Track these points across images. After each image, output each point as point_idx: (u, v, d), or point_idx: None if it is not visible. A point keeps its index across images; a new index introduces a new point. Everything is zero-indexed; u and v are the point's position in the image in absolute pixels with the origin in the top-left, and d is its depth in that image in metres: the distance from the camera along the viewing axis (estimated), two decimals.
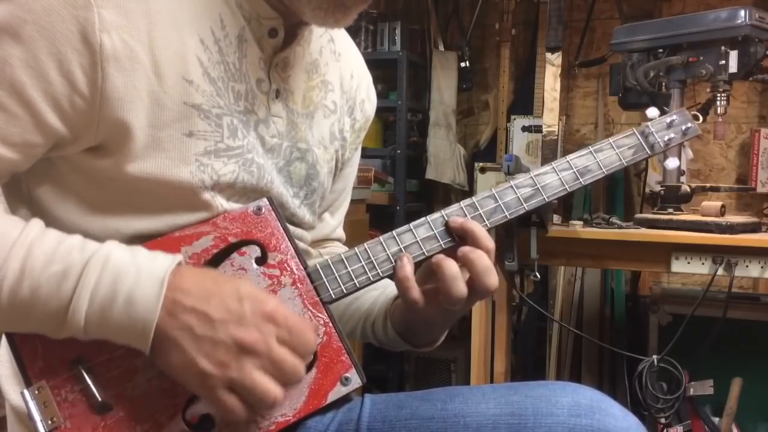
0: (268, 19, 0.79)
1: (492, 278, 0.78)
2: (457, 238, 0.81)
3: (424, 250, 0.81)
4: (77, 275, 0.66)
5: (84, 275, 0.66)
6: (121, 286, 0.66)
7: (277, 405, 0.68)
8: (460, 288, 0.76)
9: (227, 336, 0.66)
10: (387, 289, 0.91)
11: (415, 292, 0.78)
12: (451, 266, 0.77)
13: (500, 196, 0.85)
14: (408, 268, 0.79)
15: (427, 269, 0.81)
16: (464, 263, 0.78)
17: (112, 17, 0.67)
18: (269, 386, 0.66)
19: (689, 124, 0.97)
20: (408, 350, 0.91)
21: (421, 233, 0.81)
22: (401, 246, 0.81)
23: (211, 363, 0.65)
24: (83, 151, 0.71)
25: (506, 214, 0.84)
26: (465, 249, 0.78)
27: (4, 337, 0.74)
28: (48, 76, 0.66)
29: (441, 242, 0.81)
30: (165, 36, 0.70)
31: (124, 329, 0.66)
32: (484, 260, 0.77)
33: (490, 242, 0.79)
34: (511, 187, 0.85)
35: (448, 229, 0.82)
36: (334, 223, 1.03)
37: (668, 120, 0.95)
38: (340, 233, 1.05)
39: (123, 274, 0.66)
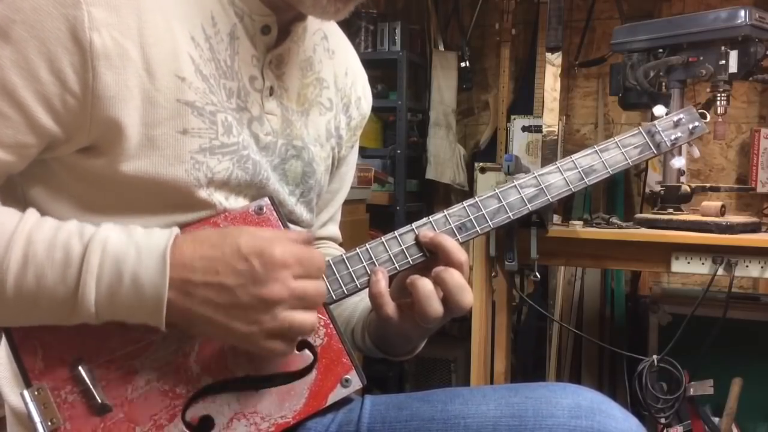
0: (261, 16, 0.79)
1: (466, 296, 0.77)
2: (428, 253, 0.80)
3: (410, 259, 0.80)
4: (79, 261, 0.66)
5: (86, 261, 0.66)
6: (125, 268, 0.66)
7: (315, 328, 0.73)
8: (435, 307, 0.76)
9: (250, 297, 0.67)
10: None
11: (389, 308, 0.78)
12: (425, 285, 0.76)
13: (503, 196, 0.84)
14: (382, 284, 0.78)
15: (401, 283, 0.81)
16: (437, 282, 0.77)
17: (102, 15, 0.67)
18: (304, 318, 0.69)
19: (696, 123, 0.96)
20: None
21: (401, 243, 0.80)
22: (403, 246, 0.80)
23: (246, 324, 0.68)
24: (77, 151, 0.71)
25: (509, 214, 0.84)
26: (438, 269, 0.78)
27: (3, 339, 0.74)
28: (39, 75, 0.66)
29: (409, 259, 0.80)
30: (156, 34, 0.70)
31: (135, 309, 0.67)
32: (456, 279, 0.77)
33: (462, 255, 0.79)
34: (515, 186, 0.85)
35: (418, 243, 0.81)
36: (328, 222, 1.03)
37: (675, 118, 0.94)
38: (336, 233, 1.04)
39: (123, 254, 0.67)
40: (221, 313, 0.67)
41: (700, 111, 0.98)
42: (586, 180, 0.87)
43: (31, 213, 0.69)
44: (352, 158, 1.03)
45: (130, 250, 0.67)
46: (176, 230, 0.70)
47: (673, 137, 0.94)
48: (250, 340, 0.69)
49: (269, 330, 0.68)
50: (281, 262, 0.68)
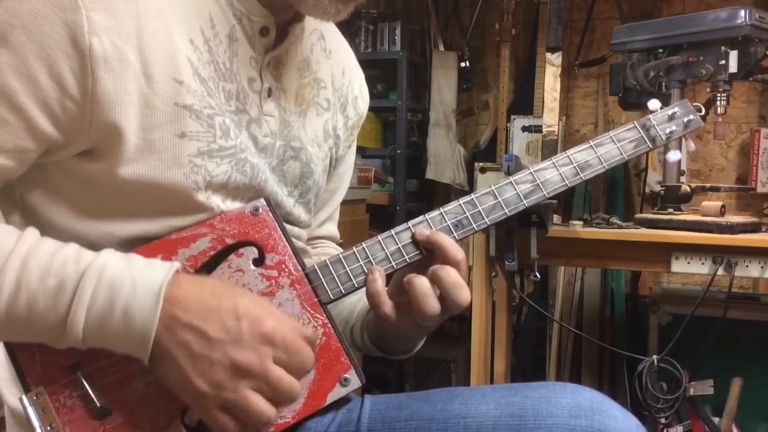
0: (260, 18, 0.79)
1: (462, 294, 0.76)
2: (425, 251, 0.80)
3: (407, 257, 0.80)
4: (73, 289, 0.65)
5: (80, 289, 0.65)
6: (118, 299, 0.65)
7: (270, 424, 0.69)
8: (432, 305, 0.76)
9: (223, 356, 0.66)
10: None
11: (387, 306, 0.78)
12: (422, 283, 0.76)
13: (499, 193, 0.84)
14: (379, 283, 0.78)
15: (399, 282, 0.80)
16: (434, 280, 0.77)
17: (101, 19, 0.66)
18: (263, 407, 0.67)
19: (691, 116, 0.96)
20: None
21: (397, 241, 0.80)
22: (400, 245, 0.80)
23: (206, 383, 0.66)
24: (75, 155, 0.71)
25: (506, 210, 0.84)
26: (434, 267, 0.77)
27: (1, 343, 0.74)
28: (38, 80, 0.66)
29: (406, 257, 0.80)
30: (154, 37, 0.70)
31: (122, 340, 0.67)
32: (453, 276, 0.76)
33: (458, 252, 0.78)
34: (511, 183, 0.84)
35: (415, 242, 0.80)
36: (327, 221, 1.03)
37: (670, 112, 0.94)
38: (333, 232, 1.04)
39: (119, 286, 0.66)
40: (189, 360, 0.66)
41: (695, 105, 0.97)
42: (581, 175, 0.87)
43: (29, 234, 0.68)
44: (350, 158, 1.03)
45: (126, 281, 0.66)
46: (176, 266, 0.69)
47: (668, 131, 0.93)
48: (201, 402, 0.66)
49: (224, 399, 0.66)
50: (268, 336, 0.67)
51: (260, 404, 0.66)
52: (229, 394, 0.66)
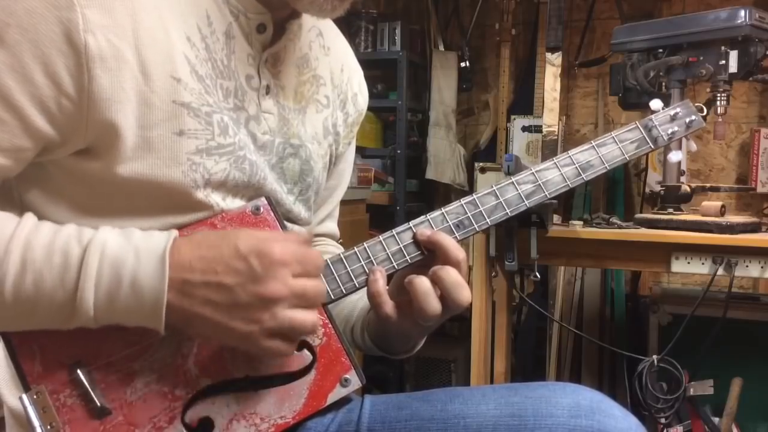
0: (256, 15, 0.79)
1: (462, 293, 0.77)
2: (426, 251, 0.80)
3: (408, 257, 0.80)
4: (78, 264, 0.66)
5: (84, 264, 0.66)
6: (124, 270, 0.66)
7: (317, 327, 0.72)
8: (433, 305, 0.76)
9: (249, 296, 0.67)
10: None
11: (388, 307, 0.78)
12: (422, 283, 0.76)
13: (501, 193, 0.84)
14: (380, 283, 0.78)
15: (400, 282, 0.81)
16: (435, 280, 0.77)
17: (97, 17, 0.66)
18: (305, 317, 0.69)
19: (693, 117, 0.96)
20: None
21: (399, 241, 0.80)
22: (401, 245, 0.80)
23: (246, 323, 0.67)
24: (73, 154, 0.71)
25: (507, 211, 0.84)
26: (435, 267, 0.78)
27: (0, 342, 0.74)
28: (34, 79, 0.66)
29: (407, 257, 0.80)
30: (151, 34, 0.70)
31: (134, 312, 0.67)
32: (453, 276, 0.77)
33: (459, 253, 0.78)
34: (512, 183, 0.85)
35: (416, 242, 0.81)
36: (326, 219, 1.03)
37: (672, 112, 0.94)
38: (334, 230, 1.05)
39: (122, 258, 0.67)
40: (221, 312, 0.67)
41: (697, 105, 0.97)
42: (583, 176, 0.87)
43: (29, 217, 0.69)
44: (350, 155, 1.03)
45: (129, 253, 0.67)
46: (175, 233, 0.70)
47: (669, 131, 0.93)
48: (249, 340, 0.68)
49: (269, 329, 0.68)
50: (280, 260, 0.68)
51: (300, 316, 0.69)
52: (270, 322, 0.68)
